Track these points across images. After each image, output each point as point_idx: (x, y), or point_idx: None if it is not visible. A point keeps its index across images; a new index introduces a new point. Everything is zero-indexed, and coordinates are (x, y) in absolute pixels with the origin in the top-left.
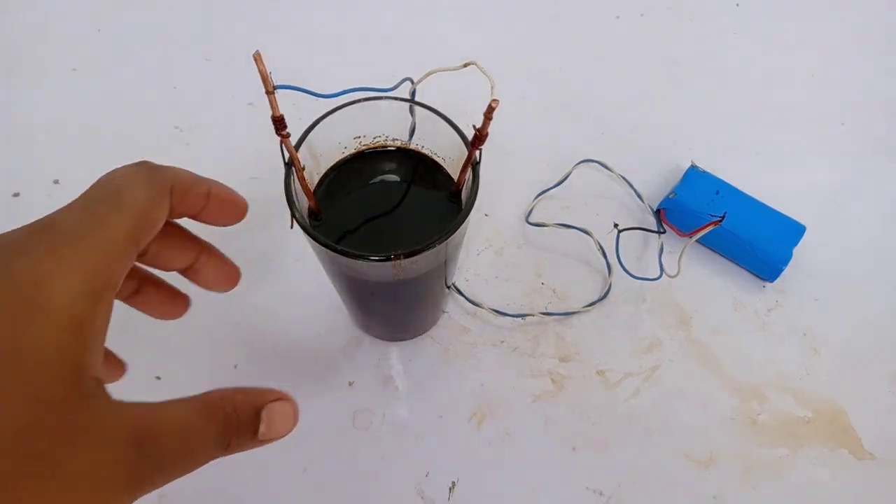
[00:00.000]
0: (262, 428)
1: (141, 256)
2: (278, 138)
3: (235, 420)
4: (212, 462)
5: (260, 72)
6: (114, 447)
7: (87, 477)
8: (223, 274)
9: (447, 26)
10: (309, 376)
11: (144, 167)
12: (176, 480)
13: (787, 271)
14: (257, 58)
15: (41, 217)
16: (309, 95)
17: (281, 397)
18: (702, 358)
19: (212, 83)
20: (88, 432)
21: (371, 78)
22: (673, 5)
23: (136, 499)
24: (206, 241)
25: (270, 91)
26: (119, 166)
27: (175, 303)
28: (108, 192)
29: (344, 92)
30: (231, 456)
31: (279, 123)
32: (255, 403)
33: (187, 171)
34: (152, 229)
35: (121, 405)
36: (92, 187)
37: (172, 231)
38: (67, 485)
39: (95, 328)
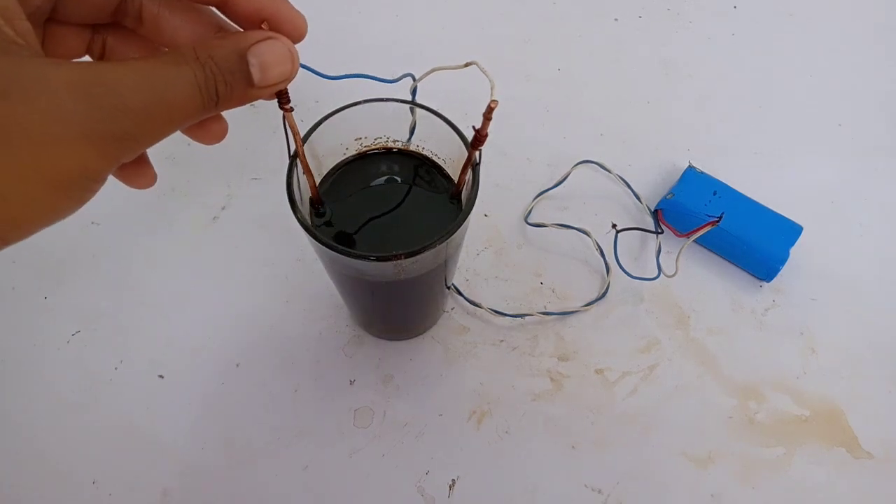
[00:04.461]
0: (254, 73)
1: None
2: (280, 140)
3: (214, 66)
4: (213, 459)
5: None
6: (49, 97)
7: (22, 131)
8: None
9: (448, 27)
10: (310, 375)
11: None
12: (177, 477)
13: (785, 271)
14: None
15: None
16: (310, 99)
17: (270, 37)
18: (699, 357)
19: None
20: (15, 83)
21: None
22: (671, 7)
23: (111, 160)
24: None
25: None
26: None
27: None
28: None
29: (347, 76)
30: (232, 453)
31: (283, 97)
32: (236, 47)
33: None
34: None
35: (59, 60)
36: None
37: None
38: None
39: None
